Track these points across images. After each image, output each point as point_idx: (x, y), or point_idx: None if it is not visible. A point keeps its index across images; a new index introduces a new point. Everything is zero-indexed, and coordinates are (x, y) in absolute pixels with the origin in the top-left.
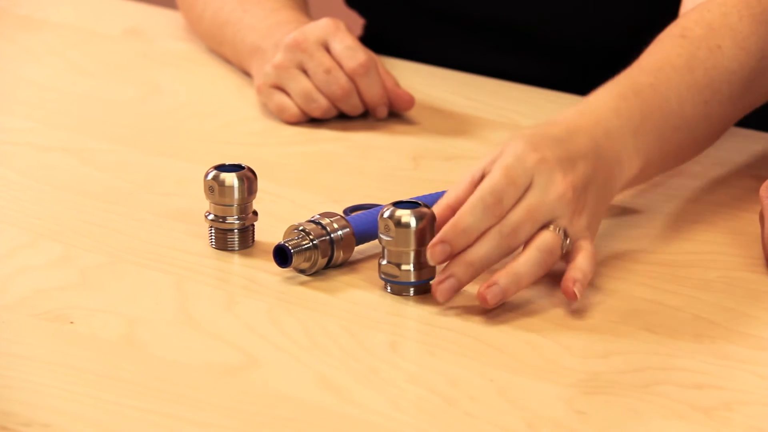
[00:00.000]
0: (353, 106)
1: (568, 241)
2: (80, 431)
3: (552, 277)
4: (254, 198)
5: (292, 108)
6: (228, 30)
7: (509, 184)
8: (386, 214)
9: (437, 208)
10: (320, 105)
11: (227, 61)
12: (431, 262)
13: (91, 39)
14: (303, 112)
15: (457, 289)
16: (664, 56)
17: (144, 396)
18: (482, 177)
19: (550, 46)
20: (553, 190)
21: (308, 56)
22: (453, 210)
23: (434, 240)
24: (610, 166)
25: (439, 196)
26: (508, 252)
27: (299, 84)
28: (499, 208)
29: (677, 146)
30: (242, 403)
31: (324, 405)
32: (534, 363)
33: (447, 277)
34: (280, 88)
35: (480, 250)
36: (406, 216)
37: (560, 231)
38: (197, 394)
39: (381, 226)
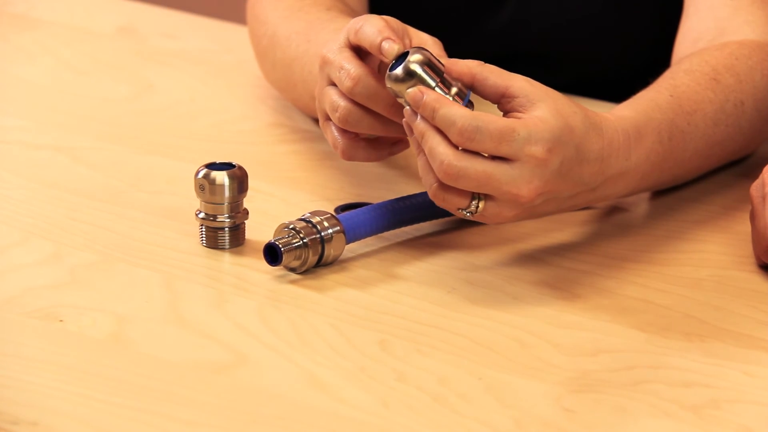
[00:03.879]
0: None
1: (466, 213)
2: (68, 429)
3: (545, 276)
4: (245, 196)
5: (335, 141)
6: (296, 67)
7: (495, 140)
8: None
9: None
10: (341, 110)
11: (305, 104)
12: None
13: (85, 37)
14: (344, 139)
15: (415, 102)
16: (699, 98)
17: (133, 394)
18: (502, 93)
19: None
20: (520, 186)
21: (330, 65)
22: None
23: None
24: (589, 196)
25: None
26: (438, 174)
27: (328, 101)
28: (461, 140)
29: (660, 185)
30: (231, 401)
31: (313, 403)
32: (523, 361)
33: (423, 93)
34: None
35: (429, 139)
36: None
37: (475, 210)
38: (186, 392)
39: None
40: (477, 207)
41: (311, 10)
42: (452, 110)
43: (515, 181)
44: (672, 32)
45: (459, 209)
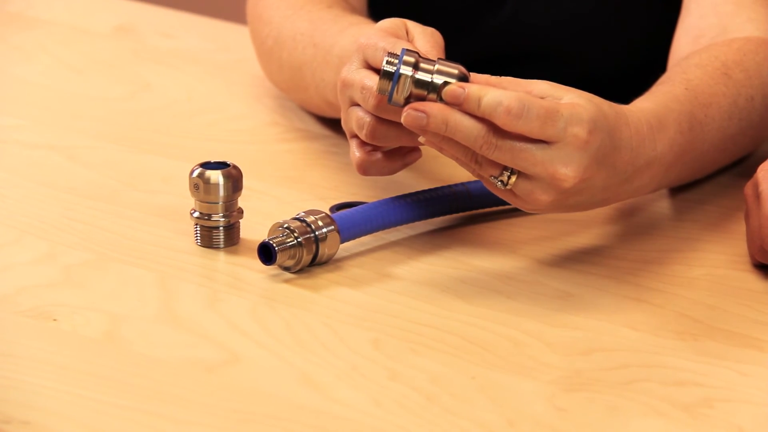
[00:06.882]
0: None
1: (499, 184)
2: (61, 428)
3: (538, 275)
4: (240, 195)
5: (353, 156)
6: (306, 72)
7: (541, 119)
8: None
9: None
10: (368, 127)
11: (316, 105)
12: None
13: (82, 36)
14: (362, 154)
15: (418, 125)
16: (713, 91)
17: (126, 393)
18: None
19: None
20: (556, 166)
21: (352, 87)
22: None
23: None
24: (619, 189)
25: (421, 193)
26: (476, 149)
27: (355, 120)
28: (507, 120)
29: (678, 182)
30: (224, 401)
31: (305, 402)
32: (515, 360)
33: (421, 111)
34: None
35: (462, 121)
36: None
37: (510, 182)
38: (179, 391)
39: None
40: (508, 177)
41: (313, 8)
42: (497, 92)
43: (552, 160)
44: (672, 31)
45: (491, 176)
